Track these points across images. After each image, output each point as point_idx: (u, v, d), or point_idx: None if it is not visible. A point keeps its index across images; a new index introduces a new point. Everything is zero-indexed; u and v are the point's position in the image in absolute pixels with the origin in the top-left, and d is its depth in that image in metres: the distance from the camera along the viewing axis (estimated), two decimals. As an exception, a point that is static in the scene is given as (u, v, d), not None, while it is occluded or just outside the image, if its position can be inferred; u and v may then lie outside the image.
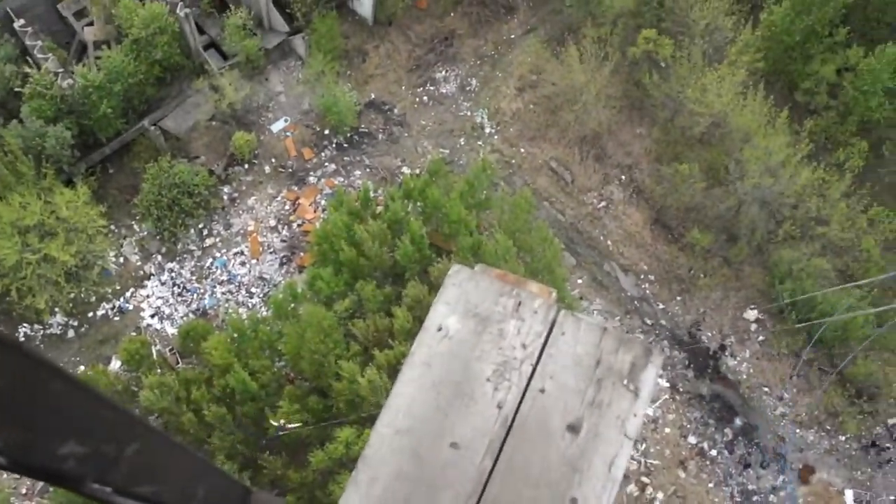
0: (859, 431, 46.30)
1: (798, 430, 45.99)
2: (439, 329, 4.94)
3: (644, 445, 44.44)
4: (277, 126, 50.79)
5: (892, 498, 45.18)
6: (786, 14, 49.24)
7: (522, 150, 50.34)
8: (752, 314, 48.10)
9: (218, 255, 47.71)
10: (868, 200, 49.26)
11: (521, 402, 4.73)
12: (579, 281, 47.39)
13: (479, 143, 50.42)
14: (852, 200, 48.52)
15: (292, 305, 39.84)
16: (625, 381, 4.94)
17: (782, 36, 49.78)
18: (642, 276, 48.33)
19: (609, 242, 48.64)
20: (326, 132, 50.19)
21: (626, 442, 4.77)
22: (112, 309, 46.57)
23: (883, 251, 48.69)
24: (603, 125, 49.99)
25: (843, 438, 46.12)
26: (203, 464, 3.44)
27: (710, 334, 47.47)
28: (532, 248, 42.36)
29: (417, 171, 48.10)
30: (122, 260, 47.54)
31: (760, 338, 47.66)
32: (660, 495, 43.95)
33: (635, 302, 47.70)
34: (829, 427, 46.30)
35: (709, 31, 50.55)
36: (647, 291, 48.07)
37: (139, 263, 47.58)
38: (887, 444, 45.74)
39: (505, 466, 4.58)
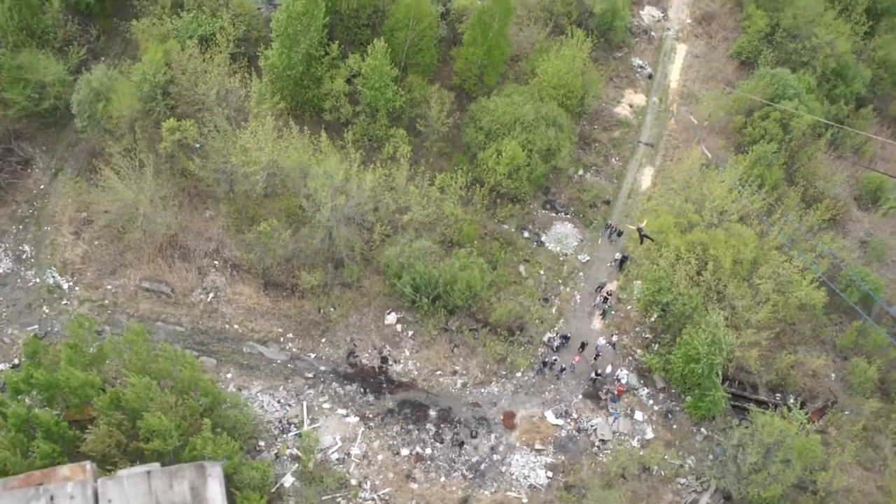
0: (529, 361, 54.33)
1: (482, 390, 53.73)
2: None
3: (368, 483, 49.67)
4: None
5: (579, 397, 55.06)
6: (280, 53, 54.88)
7: (109, 286, 51.07)
8: (392, 318, 54.18)
9: None
10: (430, 173, 58.70)
11: None
12: (229, 375, 49.71)
13: (64, 302, 50.52)
14: (419, 180, 57.70)
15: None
16: (195, 508, 6.23)
17: (286, 73, 55.51)
18: (282, 340, 52.35)
19: (236, 326, 51.29)
20: None
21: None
22: None
23: (463, 206, 58.89)
24: (172, 226, 52.24)
25: (520, 374, 54.26)
26: None
27: (367, 354, 53.47)
28: (168, 372, 45.68)
29: (16, 362, 47.86)
30: None
31: (410, 332, 54.79)
32: (407, 516, 49.47)
33: (289, 365, 50.70)
34: (504, 372, 54.57)
35: (221, 97, 55.11)
36: (294, 349, 51.66)
37: None
38: (553, 357, 54.72)
39: None
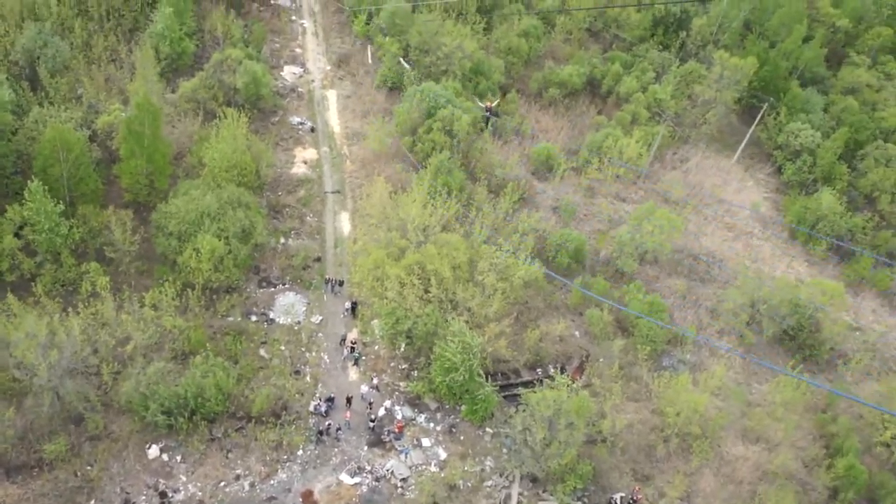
0: (304, 436, 55.37)
1: (271, 482, 53.57)
2: None
3: None
4: None
5: (365, 449, 57.15)
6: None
7: None
8: (154, 450, 52.44)
9: None
10: (138, 295, 58.64)
11: None
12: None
13: None
14: (128, 306, 57.15)
15: None
16: None
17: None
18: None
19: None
20: None
21: None
22: None
23: (182, 315, 60.01)
24: None
25: (301, 451, 55.04)
26: None
27: (144, 497, 50.27)
28: None
29: None
30: None
31: (178, 457, 52.92)
32: None
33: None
34: (285, 456, 55.09)
35: None
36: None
37: None
38: (327, 422, 55.72)
39: None
